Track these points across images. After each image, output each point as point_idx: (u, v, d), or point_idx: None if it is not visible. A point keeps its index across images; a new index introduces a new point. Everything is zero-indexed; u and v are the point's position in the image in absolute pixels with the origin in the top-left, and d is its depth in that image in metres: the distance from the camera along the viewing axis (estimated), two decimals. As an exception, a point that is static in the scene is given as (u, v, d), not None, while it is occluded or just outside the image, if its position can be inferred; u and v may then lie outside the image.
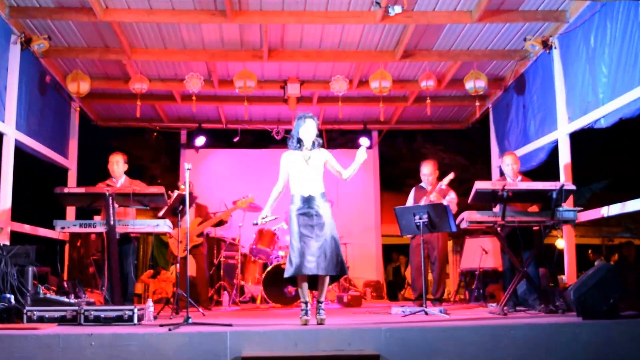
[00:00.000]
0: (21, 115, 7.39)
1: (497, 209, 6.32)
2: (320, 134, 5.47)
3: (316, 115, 9.92)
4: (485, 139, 10.38)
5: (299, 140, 5.37)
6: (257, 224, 5.50)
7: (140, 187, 6.38)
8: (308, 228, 5.16)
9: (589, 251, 12.10)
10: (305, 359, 4.14)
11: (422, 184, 7.68)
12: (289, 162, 5.38)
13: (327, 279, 5.21)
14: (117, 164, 6.90)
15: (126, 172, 6.99)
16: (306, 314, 5.10)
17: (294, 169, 5.34)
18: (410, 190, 7.78)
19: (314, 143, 5.36)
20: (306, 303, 5.17)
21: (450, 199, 7.35)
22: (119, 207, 6.26)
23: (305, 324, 4.99)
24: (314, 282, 5.29)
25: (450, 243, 12.45)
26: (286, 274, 5.17)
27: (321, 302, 5.15)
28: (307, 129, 5.33)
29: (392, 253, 14.78)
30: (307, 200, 5.22)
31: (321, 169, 5.36)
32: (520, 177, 6.65)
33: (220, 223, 8.16)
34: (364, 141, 7.64)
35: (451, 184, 7.38)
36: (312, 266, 5.05)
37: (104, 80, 9.11)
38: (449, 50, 8.32)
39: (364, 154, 5.28)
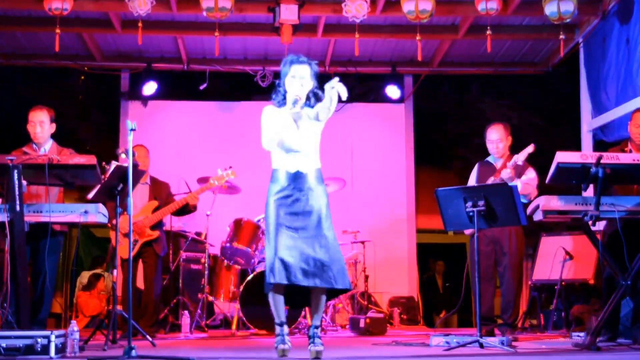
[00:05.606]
0: None
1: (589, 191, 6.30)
2: (320, 86, 5.43)
3: (323, 52, 9.77)
4: (572, 89, 10.31)
5: (286, 95, 5.41)
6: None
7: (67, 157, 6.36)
8: (292, 218, 5.26)
9: None
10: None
11: (489, 158, 7.64)
12: (272, 120, 5.38)
13: (324, 295, 5.28)
14: (42, 124, 6.91)
15: (53, 136, 6.98)
16: (282, 341, 5.20)
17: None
18: (473, 167, 7.81)
19: (308, 98, 5.40)
20: (281, 325, 5.30)
21: (529, 180, 7.30)
22: (28, 184, 6.25)
23: (284, 355, 5.10)
24: (305, 296, 5.36)
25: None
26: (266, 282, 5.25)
27: (317, 328, 5.24)
28: (297, 80, 5.35)
29: (429, 258, 14.77)
30: (295, 179, 5.32)
31: (317, 135, 5.43)
32: None
33: (185, 209, 8.16)
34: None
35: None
36: (294, 273, 5.10)
37: (7, -4, 9.07)
38: (521, -44, 8.28)
39: (341, 90, 5.04)
